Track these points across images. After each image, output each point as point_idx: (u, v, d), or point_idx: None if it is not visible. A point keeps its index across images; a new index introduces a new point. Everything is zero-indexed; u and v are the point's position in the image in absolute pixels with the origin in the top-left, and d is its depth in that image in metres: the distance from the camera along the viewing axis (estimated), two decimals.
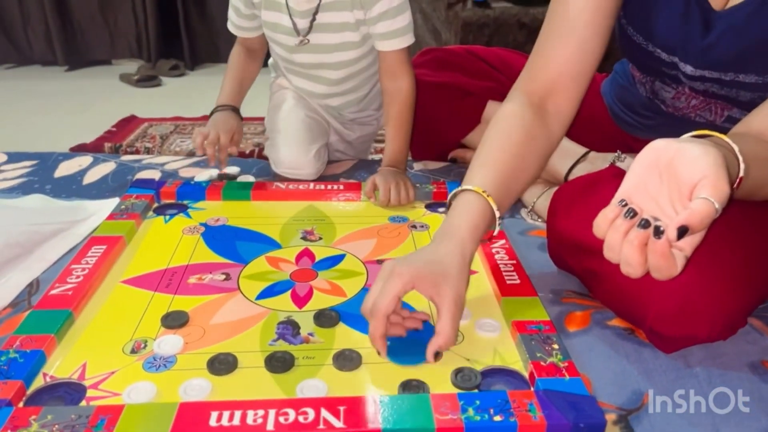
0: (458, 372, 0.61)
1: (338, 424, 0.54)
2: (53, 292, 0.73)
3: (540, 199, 0.97)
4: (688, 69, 0.76)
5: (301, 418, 0.55)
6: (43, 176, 1.10)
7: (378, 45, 1.00)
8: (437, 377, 0.62)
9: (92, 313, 0.73)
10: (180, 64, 2.81)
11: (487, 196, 0.68)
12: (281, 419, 0.54)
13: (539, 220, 0.96)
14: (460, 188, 0.71)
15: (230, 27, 1.11)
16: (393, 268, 0.63)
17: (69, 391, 0.61)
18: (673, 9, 0.74)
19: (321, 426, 0.54)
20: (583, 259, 0.73)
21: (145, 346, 0.67)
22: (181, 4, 2.78)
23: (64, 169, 1.14)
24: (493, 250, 0.82)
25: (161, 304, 0.74)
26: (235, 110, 1.11)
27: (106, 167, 1.15)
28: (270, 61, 1.19)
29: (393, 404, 0.56)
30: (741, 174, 0.53)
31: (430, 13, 2.15)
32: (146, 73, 2.67)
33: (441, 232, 0.68)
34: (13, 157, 1.18)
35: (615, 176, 0.77)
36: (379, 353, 0.63)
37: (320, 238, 0.90)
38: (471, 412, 0.55)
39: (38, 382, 0.62)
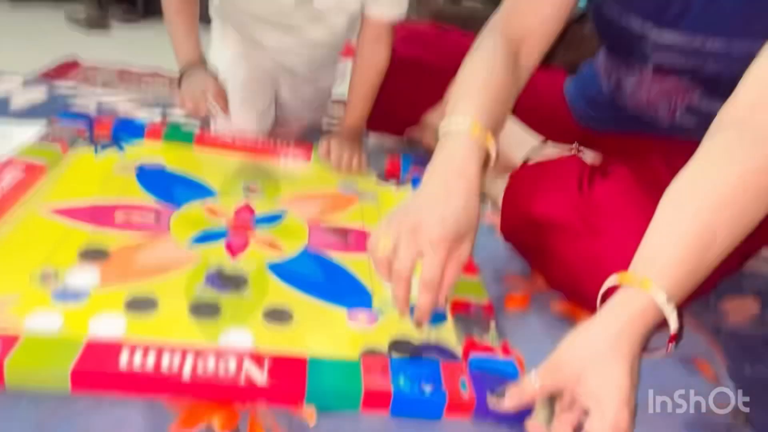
0: (395, 343, 0.59)
1: (261, 378, 0.50)
2: None
3: (491, 184, 0.96)
4: (658, 36, 0.76)
5: (221, 368, 0.51)
6: None
7: (370, 9, 0.96)
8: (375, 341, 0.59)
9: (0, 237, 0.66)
10: (133, 9, 2.66)
11: (486, 130, 0.63)
12: (200, 366, 0.50)
13: (489, 204, 0.95)
14: (454, 120, 0.65)
15: None
16: (428, 235, 0.56)
17: None
18: None
19: (242, 380, 0.50)
20: (537, 233, 0.72)
21: (56, 276, 0.61)
22: None
23: None
24: None
25: (80, 237, 0.68)
26: (204, 65, 1.01)
27: (37, 92, 1.06)
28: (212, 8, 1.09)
29: (321, 364, 0.53)
30: (672, 331, 0.50)
31: None
32: (94, 15, 2.51)
33: (450, 171, 0.61)
34: None
35: (578, 162, 0.78)
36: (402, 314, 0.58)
37: (263, 193, 0.86)
38: (401, 380, 0.52)
39: None
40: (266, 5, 0.96)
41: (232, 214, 0.79)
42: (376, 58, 1.00)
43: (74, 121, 0.92)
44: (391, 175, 0.99)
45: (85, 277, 0.61)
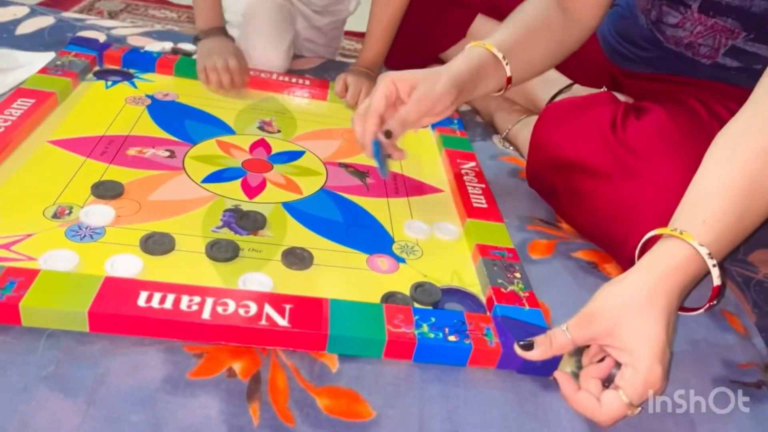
0: (418, 286, 0.58)
1: (282, 322, 0.49)
2: None
3: (516, 126, 0.92)
4: None
5: (241, 311, 0.49)
6: None
7: None
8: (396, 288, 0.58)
9: (11, 170, 0.64)
10: None
11: (491, 46, 0.68)
12: (219, 309, 0.49)
13: (511, 147, 0.92)
14: (469, 45, 0.70)
15: None
16: (385, 74, 0.65)
17: None
18: None
19: (263, 322, 0.49)
20: (568, 176, 0.70)
21: (70, 212, 0.59)
22: None
23: None
24: (462, 172, 0.77)
25: (93, 172, 0.66)
26: (224, 32, 0.94)
27: (44, 20, 1.01)
28: None
29: (344, 309, 0.52)
30: (715, 283, 0.49)
31: None
32: None
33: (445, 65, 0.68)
34: None
35: (611, 101, 0.74)
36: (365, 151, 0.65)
37: (279, 131, 0.83)
38: (425, 328, 0.51)
39: None
40: None
41: (247, 152, 0.76)
42: None
43: (84, 50, 0.88)
44: None
45: (100, 214, 0.59)
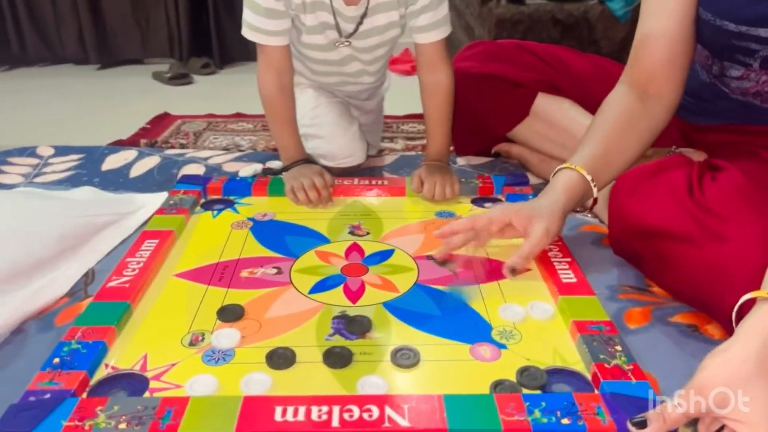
0: (524, 371, 0.61)
1: (404, 423, 0.54)
2: (111, 284, 0.74)
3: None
4: (759, 32, 0.74)
5: (366, 416, 0.54)
6: (90, 169, 1.12)
7: (418, 38, 0.99)
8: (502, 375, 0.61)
9: (149, 306, 0.73)
10: (210, 62, 2.83)
11: (581, 168, 0.78)
12: (346, 416, 0.54)
13: (589, 215, 0.94)
14: (558, 167, 0.81)
15: (252, 34, 0.97)
16: (491, 209, 0.78)
17: (132, 383, 0.61)
18: None
19: (386, 424, 0.54)
20: (651, 243, 0.72)
21: (203, 339, 0.67)
22: (212, 3, 2.80)
23: (111, 162, 1.15)
24: (547, 247, 0.81)
25: (216, 298, 0.74)
26: (307, 160, 1.03)
27: (151, 161, 1.16)
28: None
29: (458, 403, 0.55)
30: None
31: (464, 9, 2.14)
32: (178, 71, 2.69)
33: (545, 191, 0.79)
34: (60, 151, 1.20)
35: (683, 163, 0.76)
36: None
37: (368, 233, 0.90)
38: (537, 413, 0.54)
39: (101, 373, 0.63)
40: (310, 51, 1.02)
41: (343, 257, 0.83)
42: (438, 81, 1.02)
43: (190, 187, 1.00)
44: (484, 194, 1.01)
45: (228, 337, 0.67)
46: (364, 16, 0.96)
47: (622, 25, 1.90)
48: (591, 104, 0.98)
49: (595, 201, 0.81)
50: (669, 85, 0.81)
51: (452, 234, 0.79)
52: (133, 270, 0.77)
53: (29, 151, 1.20)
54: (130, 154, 1.19)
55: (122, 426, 0.54)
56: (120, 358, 0.65)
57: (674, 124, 1.00)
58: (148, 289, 0.77)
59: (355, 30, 0.98)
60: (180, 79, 2.62)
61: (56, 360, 0.62)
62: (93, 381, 0.62)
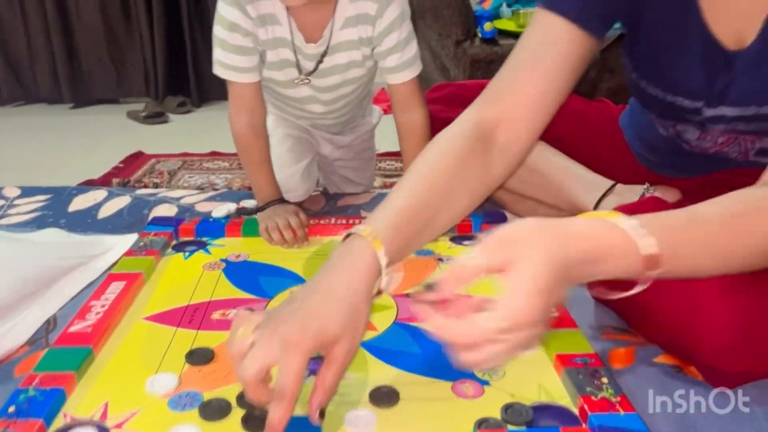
0: (508, 407, 0.58)
1: None
2: (72, 329, 0.71)
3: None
4: (710, 112, 0.75)
5: None
6: (57, 210, 1.08)
7: (389, 78, 0.99)
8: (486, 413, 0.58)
9: (112, 351, 0.70)
10: (187, 101, 2.83)
11: (378, 243, 0.56)
12: None
13: None
14: (350, 231, 0.59)
15: (225, 72, 0.94)
16: (284, 335, 0.51)
17: None
18: (692, 58, 0.71)
19: None
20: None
21: (168, 383, 0.63)
22: (189, 42, 2.81)
23: (78, 203, 1.12)
24: None
25: (185, 341, 0.71)
26: (282, 200, 1.01)
27: (121, 201, 1.13)
28: None
29: None
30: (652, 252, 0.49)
31: (439, 50, 2.17)
32: (153, 110, 2.68)
33: (336, 273, 0.56)
34: (27, 192, 1.17)
35: (657, 205, 0.75)
36: None
37: None
38: None
39: (58, 422, 0.59)
40: (272, 85, 1.01)
41: None
42: (414, 121, 1.01)
43: (161, 229, 0.98)
44: (462, 232, 1.00)
45: (197, 378, 0.64)
46: (324, 54, 0.96)
47: (593, 64, 1.94)
48: (563, 144, 0.98)
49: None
50: (521, 135, 0.69)
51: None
52: (97, 314, 0.74)
53: None
54: (99, 194, 1.16)
55: None
56: (78, 406, 0.61)
57: (641, 170, 0.98)
58: (113, 333, 0.73)
59: (315, 68, 0.97)
60: (155, 117, 2.61)
61: (11, 408, 0.58)
62: (50, 431, 0.57)
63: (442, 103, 1.04)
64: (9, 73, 2.79)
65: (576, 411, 0.58)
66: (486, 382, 0.63)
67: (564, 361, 0.63)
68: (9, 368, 0.69)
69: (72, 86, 2.78)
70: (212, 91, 2.89)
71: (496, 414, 0.58)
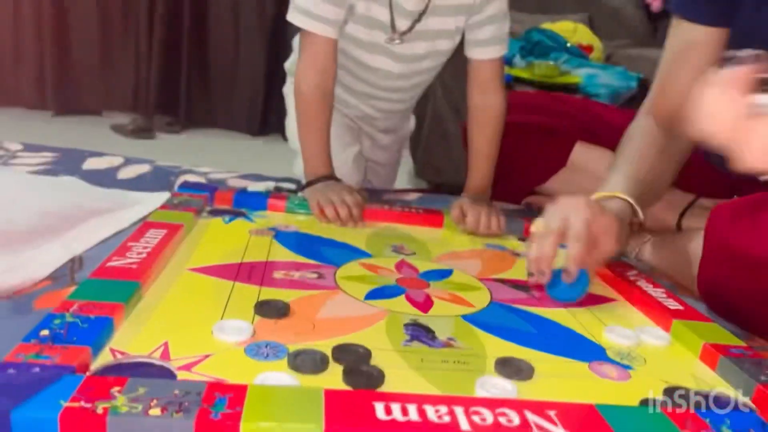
0: (673, 390, 0.48)
1: (557, 429, 0.39)
2: (112, 264, 0.57)
3: (645, 246, 0.87)
4: None
5: (502, 420, 0.40)
6: (69, 167, 0.94)
7: (475, 53, 0.92)
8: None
9: (161, 295, 0.56)
10: (175, 121, 2.72)
11: (623, 194, 0.73)
12: (476, 419, 0.39)
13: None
14: (602, 194, 0.73)
15: (303, 20, 0.85)
16: (571, 203, 0.66)
17: (150, 374, 0.44)
18: None
19: (535, 431, 0.39)
20: (759, 277, 0.62)
21: (241, 331, 0.51)
22: (186, 64, 2.74)
23: (93, 163, 0.98)
24: (630, 277, 0.71)
25: (248, 294, 0.58)
26: (334, 177, 0.90)
27: (141, 167, 1.00)
28: (287, 64, 1.07)
29: (617, 414, 0.42)
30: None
31: (453, 87, 2.15)
32: (140, 125, 2.56)
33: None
34: (31, 148, 1.02)
35: None
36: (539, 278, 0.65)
37: (414, 253, 0.77)
38: (726, 431, 0.41)
39: (105, 358, 0.45)
40: (350, 47, 0.93)
41: (395, 271, 0.70)
42: (491, 105, 0.94)
43: (195, 192, 0.85)
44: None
45: (274, 330, 0.51)
46: (422, 13, 0.89)
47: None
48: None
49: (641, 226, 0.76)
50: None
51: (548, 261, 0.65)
52: (139, 254, 0.60)
53: None
54: (115, 159, 1.02)
55: (154, 411, 0.37)
56: (129, 344, 0.47)
57: (720, 177, 0.94)
58: (158, 278, 0.60)
59: (411, 27, 0.89)
60: (143, 132, 2.48)
61: (44, 332, 0.44)
62: (94, 366, 0.44)
63: (513, 110, 0.99)
64: None
65: (749, 402, 0.48)
66: (629, 367, 0.53)
67: (719, 350, 0.54)
68: (27, 300, 0.55)
69: (57, 93, 2.64)
70: (200, 117, 2.79)
71: (658, 395, 0.47)
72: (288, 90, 1.07)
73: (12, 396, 0.36)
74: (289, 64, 1.07)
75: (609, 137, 1.02)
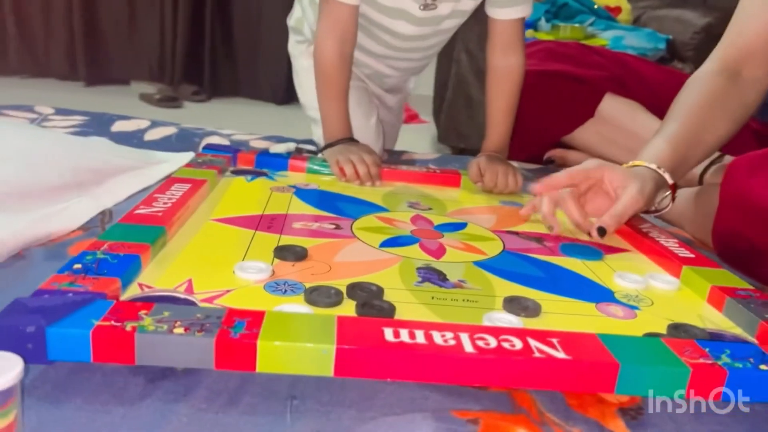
0: (677, 326, 0.49)
1: (558, 354, 0.41)
2: (139, 212, 0.60)
3: (665, 199, 0.87)
4: None
5: (506, 345, 0.41)
6: (99, 129, 0.98)
7: (497, 13, 0.92)
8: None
9: (185, 242, 0.59)
10: (201, 90, 2.76)
11: (663, 171, 0.70)
12: (480, 344, 0.41)
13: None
14: (633, 162, 0.71)
15: None
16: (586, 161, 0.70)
17: (175, 304, 0.47)
18: None
19: (537, 354, 0.41)
20: None
21: (261, 270, 0.53)
22: (209, 35, 2.77)
23: (121, 126, 1.02)
24: (644, 230, 0.71)
25: (268, 241, 0.61)
26: (352, 139, 0.92)
27: (167, 130, 1.04)
28: (291, 21, 1.07)
29: (620, 343, 0.43)
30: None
31: (477, 53, 2.13)
32: (168, 95, 2.61)
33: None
34: (62, 112, 1.06)
35: None
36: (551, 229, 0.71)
37: (430, 209, 0.79)
38: (726, 359, 0.42)
39: (133, 291, 0.48)
40: (374, 12, 0.93)
41: (410, 224, 0.72)
42: (511, 65, 0.94)
43: (219, 153, 0.88)
44: None
45: (294, 270, 0.54)
46: None
47: None
48: (662, 112, 0.93)
49: (674, 197, 0.72)
50: (765, 67, 0.75)
51: (550, 188, 0.70)
52: (165, 204, 0.63)
53: (26, 108, 1.06)
54: (142, 122, 1.06)
55: (178, 331, 0.39)
56: (156, 280, 0.50)
57: (745, 127, 0.94)
58: (183, 227, 0.63)
59: None
60: (169, 101, 2.53)
61: (78, 266, 0.47)
62: (123, 297, 0.47)
63: (536, 57, 0.99)
64: (23, 45, 2.70)
65: (754, 340, 0.49)
66: (635, 307, 0.54)
67: (727, 292, 0.55)
68: (61, 248, 0.58)
69: (88, 64, 2.71)
70: (225, 86, 2.83)
71: (661, 330, 0.49)
72: (294, 50, 1.07)
73: (47, 316, 0.40)
74: (293, 22, 1.07)
75: (641, 91, 1.01)
